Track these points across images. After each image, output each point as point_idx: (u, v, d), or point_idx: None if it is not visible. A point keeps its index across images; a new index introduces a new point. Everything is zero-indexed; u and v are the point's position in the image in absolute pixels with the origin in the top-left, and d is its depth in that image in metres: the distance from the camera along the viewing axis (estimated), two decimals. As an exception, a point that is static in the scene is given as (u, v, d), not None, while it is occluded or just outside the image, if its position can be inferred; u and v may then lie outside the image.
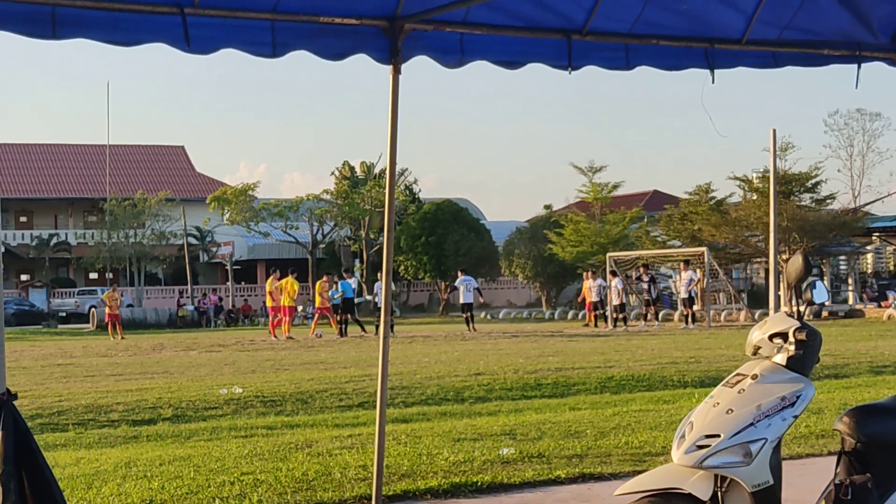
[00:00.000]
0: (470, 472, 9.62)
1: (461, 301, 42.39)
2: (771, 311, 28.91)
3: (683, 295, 41.06)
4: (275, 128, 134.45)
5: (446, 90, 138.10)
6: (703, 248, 44.74)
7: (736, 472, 5.11)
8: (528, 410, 14.86)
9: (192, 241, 78.47)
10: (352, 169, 76.73)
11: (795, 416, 5.21)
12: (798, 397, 5.21)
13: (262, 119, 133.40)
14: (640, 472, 5.66)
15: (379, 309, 38.43)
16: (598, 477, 9.52)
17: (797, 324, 5.33)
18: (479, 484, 9.20)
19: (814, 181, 50.60)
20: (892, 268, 62.60)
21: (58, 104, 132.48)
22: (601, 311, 43.79)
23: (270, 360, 25.62)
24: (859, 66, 8.79)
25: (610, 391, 17.44)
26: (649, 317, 42.31)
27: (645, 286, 43.01)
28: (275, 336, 38.07)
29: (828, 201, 52.03)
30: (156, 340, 38.20)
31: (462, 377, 18.96)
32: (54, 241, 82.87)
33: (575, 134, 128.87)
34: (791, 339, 5.30)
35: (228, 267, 74.91)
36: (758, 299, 52.18)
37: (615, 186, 61.73)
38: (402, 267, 65.48)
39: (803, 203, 50.20)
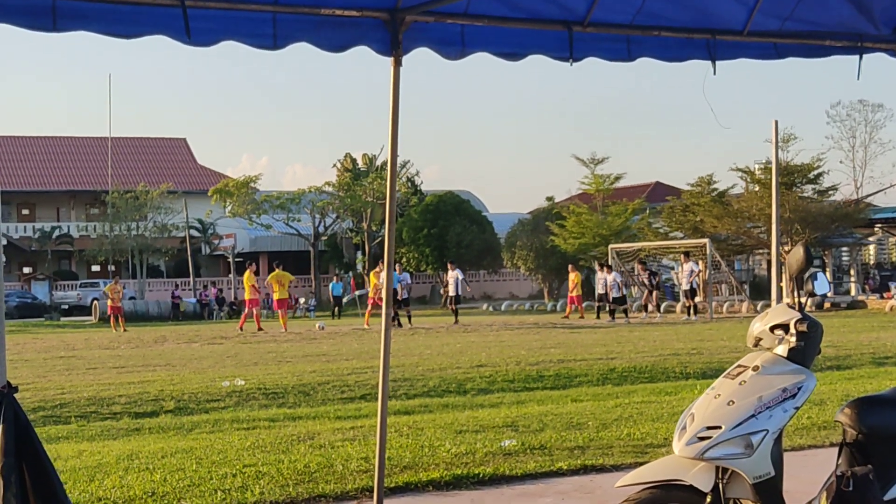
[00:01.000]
0: (472, 464, 9.63)
1: (452, 294, 42.38)
2: (773, 303, 28.86)
3: (685, 286, 41.05)
4: (277, 120, 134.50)
5: (448, 82, 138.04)
6: (706, 240, 44.74)
7: (737, 464, 5.11)
8: (531, 402, 14.86)
9: (194, 233, 78.51)
10: (354, 161, 76.70)
11: (797, 408, 5.21)
12: (799, 389, 5.20)
13: (263, 111, 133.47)
14: (641, 464, 5.66)
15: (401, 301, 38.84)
16: (599, 468, 9.53)
17: (798, 315, 5.32)
18: (481, 476, 9.20)
19: (816, 172, 50.58)
20: (894, 259, 62.60)
21: (60, 97, 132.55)
22: (604, 304, 43.70)
23: (273, 352, 25.63)
24: (861, 57, 8.76)
25: (612, 383, 17.44)
26: (650, 308, 42.30)
27: (645, 280, 43.02)
28: (241, 329, 37.93)
29: (830, 192, 52.02)
30: (158, 333, 38.23)
31: (464, 369, 18.97)
32: (56, 233, 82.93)
33: (577, 125, 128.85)
34: (792, 330, 5.30)
35: (230, 259, 74.93)
36: (760, 291, 52.20)
37: (617, 178, 61.76)
38: (404, 259, 65.46)
39: (805, 194, 50.17)
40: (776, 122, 30.84)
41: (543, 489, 8.89)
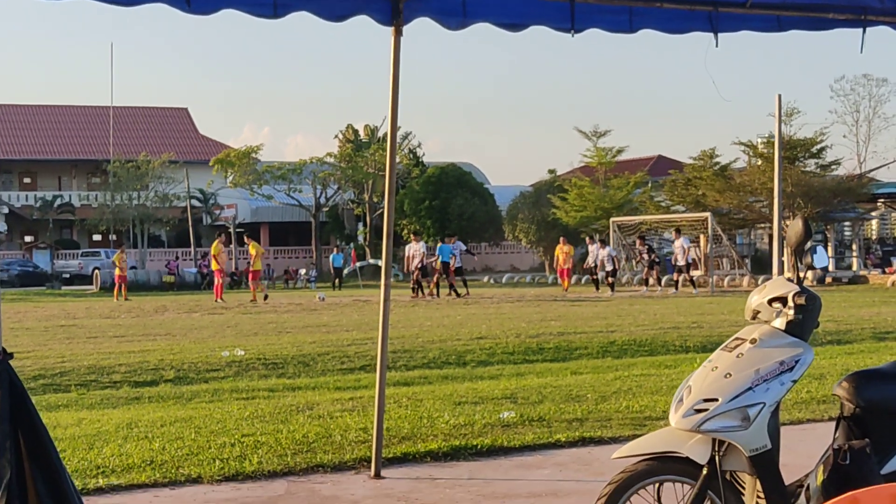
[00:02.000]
0: (470, 436, 9.64)
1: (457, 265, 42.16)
2: (774, 277, 28.93)
3: (681, 262, 40.99)
4: (279, 90, 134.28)
5: (451, 53, 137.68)
6: (707, 214, 44.70)
7: (734, 437, 5.10)
8: (530, 374, 14.88)
9: (196, 203, 78.43)
10: (355, 132, 76.61)
11: (794, 381, 5.20)
12: (797, 362, 5.19)
13: (265, 81, 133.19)
14: (639, 436, 5.66)
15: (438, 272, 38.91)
16: (597, 441, 9.54)
17: (796, 288, 5.31)
18: (480, 447, 9.22)
19: (819, 147, 50.53)
20: (896, 234, 62.53)
21: (61, 66, 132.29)
22: (595, 276, 43.67)
23: (273, 322, 25.65)
24: (864, 31, 8.71)
25: (612, 356, 17.45)
26: (651, 282, 42.30)
27: (644, 255, 42.98)
28: (218, 299, 37.94)
29: (833, 167, 51.99)
30: (158, 302, 38.27)
31: (464, 341, 18.98)
32: (58, 202, 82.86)
33: (579, 98, 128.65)
34: (790, 303, 5.28)
35: (231, 229, 74.89)
36: (761, 265, 52.20)
37: (619, 151, 61.67)
38: (405, 231, 65.43)
39: (808, 169, 50.14)
40: (779, 96, 30.86)
41: (541, 461, 8.90)
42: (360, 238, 71.70)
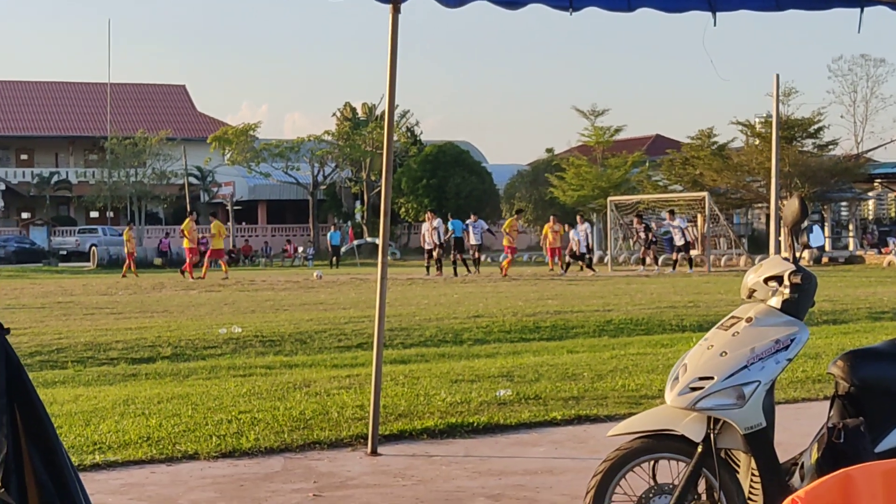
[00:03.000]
0: (467, 413, 9.67)
1: (472, 242, 42.06)
2: (770, 256, 28.96)
3: (679, 242, 40.95)
4: (276, 68, 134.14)
5: (449, 32, 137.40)
6: (705, 193, 44.71)
7: (729, 415, 5.12)
8: (526, 353, 14.90)
9: (193, 180, 78.44)
10: (353, 110, 76.55)
11: (789, 360, 5.21)
12: (792, 340, 5.20)
13: (263, 59, 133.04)
14: (634, 415, 5.67)
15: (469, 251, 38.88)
16: (593, 419, 9.57)
17: (792, 267, 5.32)
18: (476, 424, 9.25)
19: (816, 127, 50.53)
20: (893, 214, 62.63)
21: (59, 42, 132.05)
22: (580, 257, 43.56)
23: (270, 300, 25.67)
24: (862, 10, 8.69)
25: (608, 334, 17.47)
26: (648, 261, 42.32)
27: (641, 233, 42.96)
28: (192, 277, 38.17)
29: (830, 147, 51.99)
30: (156, 280, 38.28)
31: (461, 319, 19.00)
32: (55, 179, 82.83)
33: (577, 77, 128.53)
34: (786, 282, 5.29)
35: (229, 207, 74.94)
36: (758, 244, 52.23)
37: (617, 130, 61.66)
38: (402, 209, 65.49)
39: (805, 149, 50.14)
40: (777, 76, 30.81)
41: (537, 438, 8.93)
42: (358, 216, 71.72)
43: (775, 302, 5.31)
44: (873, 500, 3.05)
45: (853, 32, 8.75)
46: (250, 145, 69.50)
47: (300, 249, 63.05)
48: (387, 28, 8.03)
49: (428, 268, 40.47)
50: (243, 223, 78.18)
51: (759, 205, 54.16)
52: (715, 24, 8.37)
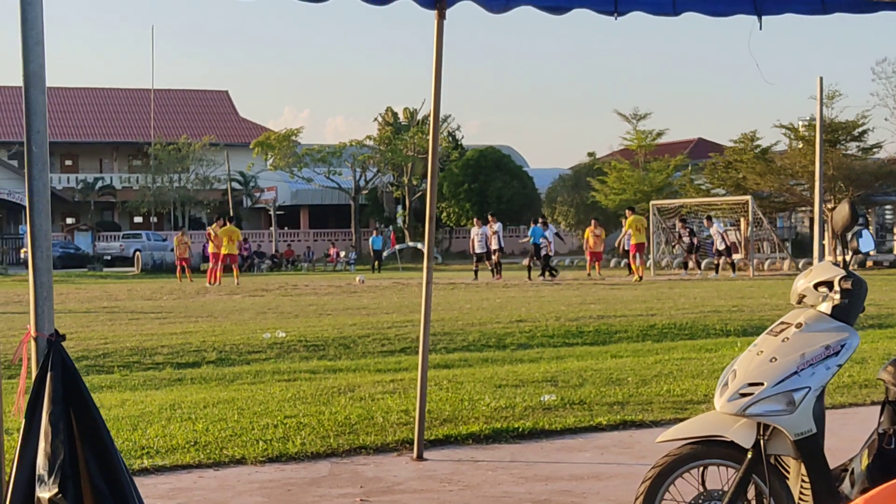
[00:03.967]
0: (511, 418, 9.67)
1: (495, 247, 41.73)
2: (815, 261, 28.78)
3: (720, 246, 40.67)
4: (318, 73, 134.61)
5: (491, 36, 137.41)
6: (748, 197, 44.49)
7: (779, 421, 5.10)
8: (570, 358, 14.87)
9: (236, 185, 78.82)
10: (395, 115, 76.67)
11: (839, 365, 5.19)
12: (842, 346, 5.18)
13: (305, 64, 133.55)
14: (681, 420, 5.67)
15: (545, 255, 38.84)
16: (639, 424, 9.55)
17: (843, 272, 5.29)
18: (521, 430, 9.25)
19: (860, 129, 50.16)
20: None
21: (103, 48, 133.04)
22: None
23: (313, 304, 25.74)
24: (909, 13, 8.66)
25: (652, 339, 17.42)
26: (691, 265, 42.14)
27: (686, 238, 42.80)
28: (216, 282, 38.05)
29: (874, 150, 51.59)
30: (199, 284, 38.45)
31: (504, 324, 18.99)
32: (99, 184, 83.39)
33: (619, 80, 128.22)
34: (836, 287, 5.27)
35: (272, 212, 75.22)
36: (802, 248, 51.92)
37: (659, 134, 61.46)
38: (444, 214, 65.50)
39: (849, 152, 49.80)
40: (821, 79, 30.56)
41: (583, 443, 8.92)
42: (399, 221, 71.80)
43: (825, 307, 5.29)
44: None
45: (898, 35, 8.68)
46: (292, 150, 69.73)
47: (342, 254, 63.20)
48: (430, 33, 8.05)
49: (476, 272, 40.34)
50: (286, 228, 78.46)
51: (803, 208, 53.84)
52: (761, 28, 8.35)
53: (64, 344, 4.46)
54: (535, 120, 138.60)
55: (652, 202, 48.59)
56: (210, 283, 38.12)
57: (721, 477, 5.33)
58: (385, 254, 58.56)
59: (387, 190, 74.72)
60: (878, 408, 5.54)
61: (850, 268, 5.48)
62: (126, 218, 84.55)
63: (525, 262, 41.13)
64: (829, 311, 5.27)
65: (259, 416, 9.86)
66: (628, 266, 43.51)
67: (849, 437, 7.09)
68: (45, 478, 4.20)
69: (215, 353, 15.61)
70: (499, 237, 40.47)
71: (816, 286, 5.34)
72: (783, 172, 49.48)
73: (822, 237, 29.21)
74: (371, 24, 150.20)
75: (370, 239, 58.92)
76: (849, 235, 5.48)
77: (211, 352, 15.73)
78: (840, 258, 5.47)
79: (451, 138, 72.20)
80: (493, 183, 64.75)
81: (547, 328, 18.33)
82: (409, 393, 10.84)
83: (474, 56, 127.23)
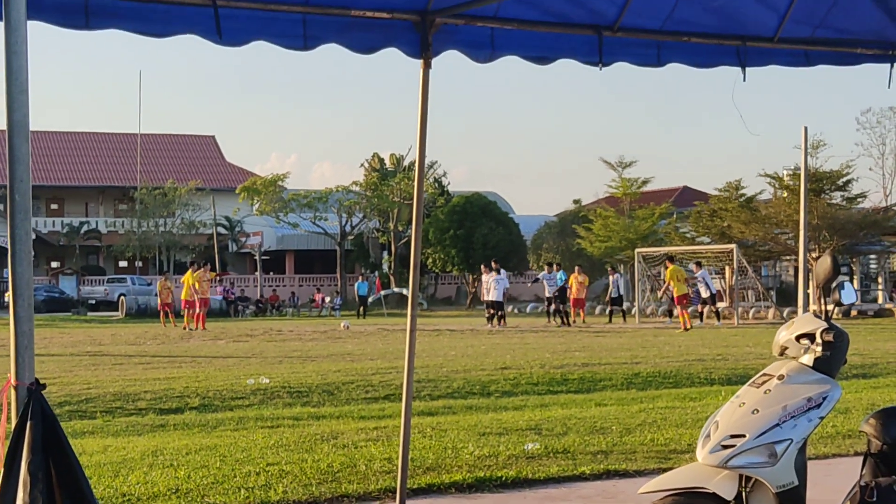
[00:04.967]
0: (495, 467, 9.63)
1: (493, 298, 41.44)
2: (800, 310, 28.82)
3: (704, 294, 40.69)
4: (305, 118, 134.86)
5: (477, 83, 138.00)
6: (733, 245, 44.58)
7: (761, 473, 5.10)
8: (554, 405, 14.85)
9: (222, 230, 78.82)
10: (381, 161, 76.83)
11: (821, 418, 5.20)
12: (824, 398, 5.19)
13: (292, 110, 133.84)
14: (665, 470, 5.66)
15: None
16: (622, 474, 9.52)
17: (825, 325, 5.31)
18: (504, 479, 9.21)
19: (845, 179, 50.33)
20: (922, 268, 62.16)
21: (89, 93, 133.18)
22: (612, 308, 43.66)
23: (297, 350, 25.70)
24: (892, 66, 8.74)
25: (636, 387, 17.42)
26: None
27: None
28: (200, 327, 38.00)
29: (859, 200, 51.77)
30: (183, 329, 38.34)
31: (488, 371, 18.97)
32: (85, 228, 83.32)
33: (605, 129, 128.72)
34: (818, 339, 5.29)
35: (257, 257, 75.18)
36: (787, 297, 51.98)
37: (645, 182, 61.64)
38: (430, 260, 65.47)
39: (834, 201, 49.94)
40: (805, 129, 30.74)
41: (566, 493, 8.89)
42: (385, 267, 71.79)
43: (807, 359, 5.30)
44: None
45: (882, 86, 8.82)
46: (279, 195, 69.78)
47: (327, 299, 63.10)
48: (416, 81, 8.09)
49: (489, 318, 40.26)
50: (271, 273, 78.38)
51: (788, 257, 53.93)
52: (745, 80, 8.42)
53: (47, 389, 4.45)
54: (522, 167, 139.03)
55: (637, 250, 48.66)
56: (194, 328, 38.06)
57: (703, 529, 5.31)
58: (370, 299, 58.48)
59: (373, 235, 74.74)
60: (861, 459, 5.54)
61: (833, 318, 5.50)
62: (111, 262, 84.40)
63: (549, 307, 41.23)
64: (811, 364, 5.28)
65: (241, 464, 9.81)
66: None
67: (832, 489, 7.08)
68: (24, 527, 4.17)
69: (198, 399, 15.56)
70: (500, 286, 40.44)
71: (798, 338, 5.36)
72: (768, 221, 49.61)
73: (806, 286, 29.25)
74: (358, 71, 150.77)
75: (355, 284, 58.87)
76: (831, 287, 5.50)
77: (194, 398, 15.67)
78: (822, 310, 5.49)
79: (437, 184, 72.31)
80: (478, 229, 64.78)
81: (531, 376, 18.31)
82: (392, 440, 10.80)
83: (461, 103, 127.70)
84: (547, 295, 42.30)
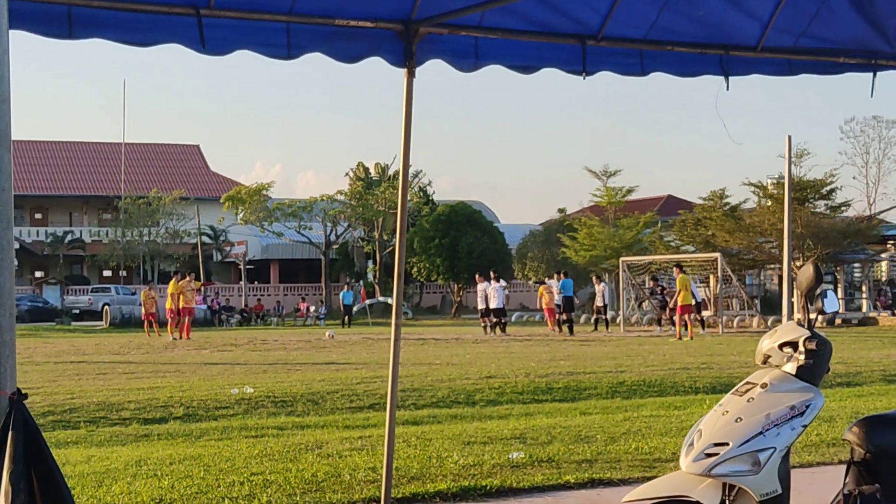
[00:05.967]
0: (479, 476, 9.62)
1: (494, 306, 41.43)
2: (784, 318, 28.88)
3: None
4: (290, 128, 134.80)
5: (461, 92, 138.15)
6: (717, 254, 44.65)
7: (744, 481, 5.10)
8: (539, 414, 14.84)
9: (206, 240, 78.71)
10: (366, 170, 76.81)
11: (804, 426, 5.21)
12: (807, 407, 5.20)
13: (277, 119, 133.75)
14: (649, 478, 5.66)
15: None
16: (607, 482, 9.51)
17: (807, 333, 5.32)
18: (489, 488, 9.20)
19: (829, 188, 50.52)
20: (906, 276, 62.37)
21: (74, 102, 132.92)
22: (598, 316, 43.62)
23: (282, 360, 25.66)
24: (875, 75, 8.78)
25: (621, 396, 17.42)
26: (663, 322, 42.20)
27: (658, 296, 42.93)
28: (185, 337, 37.92)
29: (842, 208, 51.95)
30: (168, 339, 38.26)
31: (473, 380, 18.96)
32: (69, 238, 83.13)
33: (590, 138, 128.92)
34: (801, 348, 5.30)
35: (242, 266, 75.06)
36: (771, 305, 52.12)
37: (629, 191, 61.75)
38: (415, 269, 65.47)
39: (818, 210, 50.11)
40: (789, 138, 30.83)
41: (551, 502, 8.88)
42: (370, 276, 71.75)
43: (790, 368, 5.31)
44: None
45: (865, 94, 8.82)
46: (263, 205, 69.73)
47: (312, 309, 63.04)
48: (400, 90, 8.09)
49: (492, 327, 40.33)
50: (256, 282, 78.27)
51: (772, 266, 54.08)
52: (728, 89, 8.44)
53: (29, 399, 4.44)
54: (507, 176, 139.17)
55: (622, 259, 48.72)
56: (178, 337, 38.00)
57: (687, 537, 5.32)
58: (355, 309, 58.44)
59: (357, 245, 74.72)
60: (844, 468, 5.56)
61: (817, 327, 5.51)
62: (95, 272, 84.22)
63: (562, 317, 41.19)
64: (794, 372, 5.29)
65: (225, 473, 9.79)
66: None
67: (815, 497, 7.09)
68: (6, 538, 4.16)
69: (182, 409, 15.52)
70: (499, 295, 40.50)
71: (781, 346, 5.37)
72: (752, 230, 49.74)
73: (790, 294, 29.33)
74: (342, 80, 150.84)
75: (340, 294, 58.81)
76: (814, 295, 5.51)
77: (178, 407, 15.63)
78: (805, 318, 5.50)
79: (422, 194, 72.32)
80: (463, 238, 64.79)
81: (516, 384, 18.31)
82: (377, 450, 10.78)
83: (446, 112, 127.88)
84: (556, 303, 42.21)
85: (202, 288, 54.13)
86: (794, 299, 32.47)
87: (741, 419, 5.18)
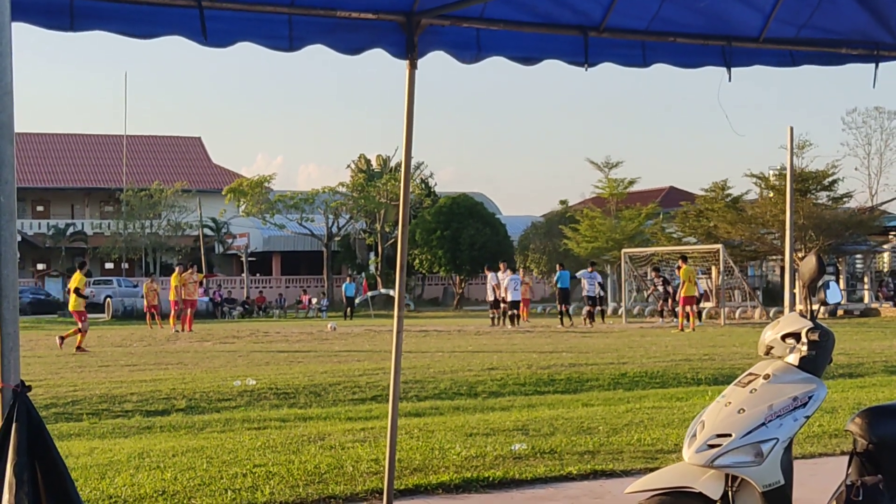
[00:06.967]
0: (482, 468, 9.63)
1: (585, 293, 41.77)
2: (786, 309, 28.87)
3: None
4: (292, 120, 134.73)
5: (463, 84, 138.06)
6: (719, 245, 44.65)
7: (747, 472, 5.11)
8: (541, 406, 14.85)
9: (208, 232, 78.69)
10: (368, 162, 76.79)
11: (807, 417, 5.21)
12: (810, 398, 5.20)
13: (279, 111, 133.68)
14: (651, 470, 5.66)
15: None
16: (609, 474, 9.52)
17: (810, 324, 5.32)
18: (491, 479, 9.21)
19: (831, 179, 50.45)
20: (908, 267, 62.35)
21: (75, 94, 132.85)
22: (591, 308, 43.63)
23: (284, 352, 25.67)
24: (877, 66, 8.77)
25: (623, 388, 17.43)
26: (665, 313, 42.21)
27: (659, 286, 42.93)
28: (187, 329, 37.88)
29: (844, 199, 51.87)
30: (170, 331, 38.28)
31: (475, 372, 18.97)
32: (70, 230, 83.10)
33: (591, 129, 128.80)
34: (804, 339, 5.30)
35: (243, 258, 75.06)
36: (773, 297, 52.08)
37: (631, 182, 61.68)
38: (417, 261, 65.44)
39: (820, 201, 50.04)
40: (791, 129, 30.80)
41: (553, 493, 8.89)
42: (372, 268, 71.74)
43: (793, 359, 5.31)
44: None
45: (867, 86, 8.82)
46: (265, 197, 69.72)
47: (314, 301, 63.04)
48: (402, 82, 8.09)
49: (493, 319, 40.47)
50: (258, 274, 78.26)
51: (774, 257, 54.01)
52: (730, 80, 8.43)
53: (33, 391, 4.44)
54: (508, 168, 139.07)
55: (623, 250, 48.71)
56: (181, 329, 37.99)
57: (690, 528, 5.32)
58: (357, 301, 58.45)
59: (359, 237, 74.69)
60: (847, 458, 5.56)
61: (819, 318, 5.51)
62: (97, 264, 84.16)
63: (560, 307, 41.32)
64: (796, 363, 5.29)
65: (228, 465, 9.80)
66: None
67: (818, 488, 7.09)
68: (10, 530, 4.16)
69: (185, 401, 15.53)
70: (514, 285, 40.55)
71: (784, 337, 5.37)
72: (754, 221, 49.69)
73: (792, 286, 29.32)
74: (345, 72, 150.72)
75: (342, 286, 58.83)
76: (817, 286, 5.51)
77: (181, 399, 15.64)
78: (808, 309, 5.50)
79: (424, 185, 72.30)
80: (465, 230, 64.77)
81: (518, 376, 18.32)
82: (379, 441, 10.79)
83: (448, 104, 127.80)
84: (587, 294, 42.26)
85: (204, 280, 54.02)
86: (797, 290, 32.46)
87: (744, 410, 5.18)
